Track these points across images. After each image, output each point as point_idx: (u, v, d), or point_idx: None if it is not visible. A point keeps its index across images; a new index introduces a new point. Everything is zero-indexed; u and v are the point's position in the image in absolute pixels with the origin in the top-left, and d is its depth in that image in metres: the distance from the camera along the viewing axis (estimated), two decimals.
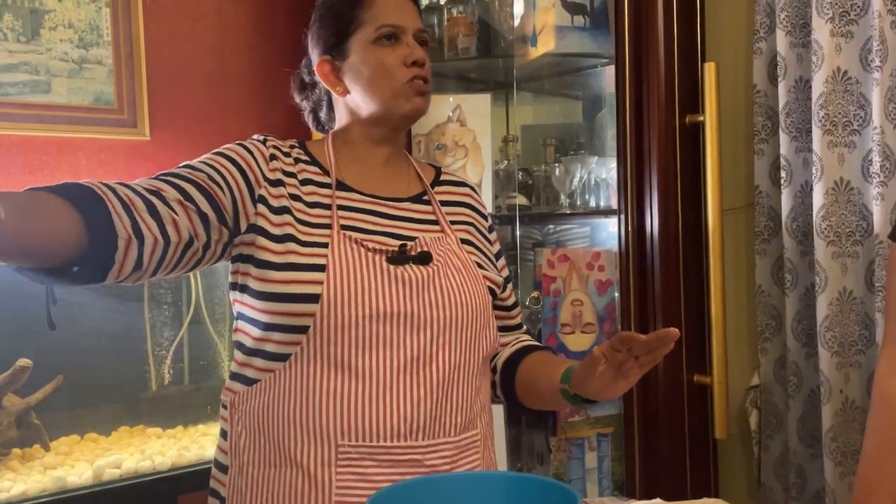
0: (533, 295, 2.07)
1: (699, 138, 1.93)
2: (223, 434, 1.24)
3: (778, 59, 1.86)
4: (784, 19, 1.85)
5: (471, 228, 1.33)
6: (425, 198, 1.31)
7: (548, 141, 2.27)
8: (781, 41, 1.85)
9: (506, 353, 1.33)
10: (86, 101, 2.05)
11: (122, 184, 1.09)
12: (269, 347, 1.17)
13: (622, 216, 1.97)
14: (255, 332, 1.18)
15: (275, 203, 1.18)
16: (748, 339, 2.07)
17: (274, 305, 1.15)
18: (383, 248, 1.19)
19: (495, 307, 1.31)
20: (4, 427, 1.83)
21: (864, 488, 1.29)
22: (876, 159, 1.72)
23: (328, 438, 1.13)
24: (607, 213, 2.12)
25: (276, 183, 1.20)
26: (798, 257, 1.89)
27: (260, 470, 1.17)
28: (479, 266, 1.27)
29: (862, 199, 1.78)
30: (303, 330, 1.13)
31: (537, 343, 1.36)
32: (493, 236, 1.39)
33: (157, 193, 1.10)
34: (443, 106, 2.08)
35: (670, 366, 1.95)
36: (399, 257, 1.18)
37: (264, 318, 1.16)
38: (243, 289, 1.19)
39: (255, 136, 1.26)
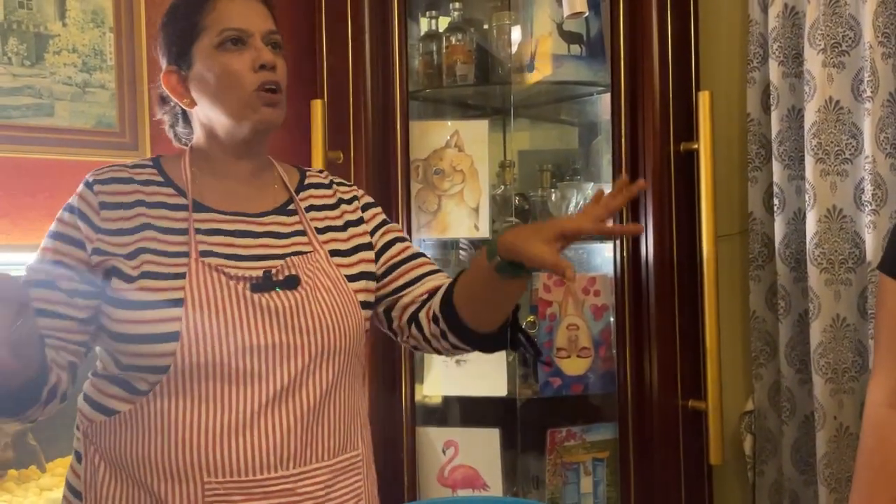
0: (529, 319, 2.07)
1: (693, 166, 1.95)
2: (77, 456, 1.17)
3: (771, 88, 1.89)
4: (777, 50, 1.88)
5: (339, 234, 1.24)
6: (291, 207, 1.23)
7: (544, 166, 2.29)
8: (774, 71, 1.88)
9: (438, 294, 1.23)
10: (88, 124, 2.07)
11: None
12: (129, 382, 1.11)
13: (618, 242, 1.98)
14: (113, 369, 1.13)
15: (118, 251, 1.10)
16: (742, 365, 2.08)
17: (129, 347, 1.08)
18: (246, 274, 1.11)
19: (396, 278, 1.26)
20: (0, 448, 1.83)
21: None
22: (868, 188, 1.74)
23: (193, 476, 1.06)
24: (603, 238, 2.14)
25: (115, 232, 1.11)
26: (791, 284, 1.90)
27: None
28: (351, 279, 1.20)
29: (854, 226, 1.80)
30: (163, 370, 1.07)
31: None
32: (367, 214, 1.29)
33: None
34: (441, 131, 2.10)
35: (665, 391, 1.95)
36: (264, 284, 1.11)
37: (121, 359, 1.10)
38: (99, 327, 1.11)
39: (87, 178, 1.17)
